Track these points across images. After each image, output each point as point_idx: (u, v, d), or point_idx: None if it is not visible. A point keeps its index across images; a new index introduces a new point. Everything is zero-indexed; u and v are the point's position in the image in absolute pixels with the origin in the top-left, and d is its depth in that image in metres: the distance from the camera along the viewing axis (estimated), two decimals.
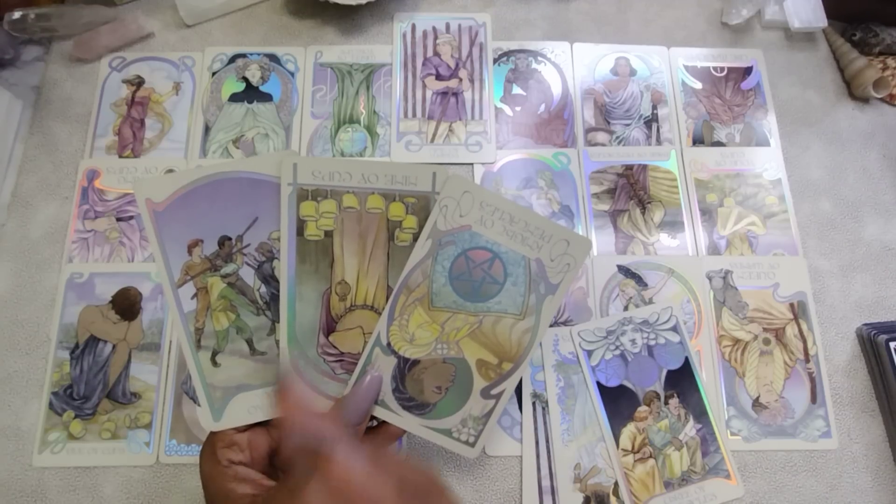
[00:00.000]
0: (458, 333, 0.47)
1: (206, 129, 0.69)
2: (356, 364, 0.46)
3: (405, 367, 0.46)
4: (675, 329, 0.62)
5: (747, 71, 0.74)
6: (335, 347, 0.46)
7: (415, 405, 0.47)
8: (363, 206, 0.47)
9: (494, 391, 0.47)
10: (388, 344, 0.46)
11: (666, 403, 0.60)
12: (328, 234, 0.47)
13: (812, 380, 0.62)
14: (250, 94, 0.71)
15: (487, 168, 0.68)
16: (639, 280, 0.64)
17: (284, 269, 0.46)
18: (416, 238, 0.48)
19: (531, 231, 0.47)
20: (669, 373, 0.61)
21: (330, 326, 0.47)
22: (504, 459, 0.59)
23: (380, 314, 0.47)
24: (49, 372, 0.60)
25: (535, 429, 0.59)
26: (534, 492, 0.57)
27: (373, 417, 0.46)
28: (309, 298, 0.47)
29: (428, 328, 0.47)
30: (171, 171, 0.67)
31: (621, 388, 0.60)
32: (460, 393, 0.47)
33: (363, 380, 0.44)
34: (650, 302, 0.64)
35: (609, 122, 0.71)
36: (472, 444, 0.47)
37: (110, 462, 0.58)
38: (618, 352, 0.61)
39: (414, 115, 0.70)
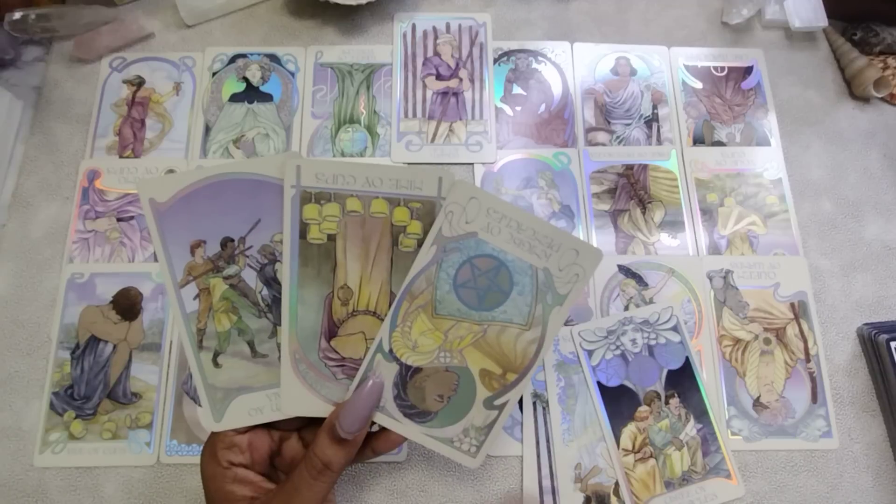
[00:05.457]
0: (461, 342, 0.46)
1: (207, 130, 0.69)
2: (357, 370, 0.46)
3: (407, 375, 0.46)
4: (675, 329, 0.62)
5: (748, 70, 0.74)
6: (336, 352, 0.46)
7: (416, 413, 0.46)
8: (367, 210, 0.47)
9: (498, 402, 0.46)
10: (391, 350, 0.46)
11: (666, 403, 0.60)
12: (331, 237, 0.47)
13: (813, 379, 0.62)
14: (251, 94, 0.71)
15: (488, 168, 0.68)
16: (639, 280, 0.64)
17: (286, 272, 0.46)
18: (420, 244, 0.47)
19: (539, 240, 0.46)
20: (670, 372, 0.61)
21: (332, 331, 0.46)
22: (505, 459, 0.59)
23: (382, 320, 0.47)
24: (50, 372, 0.60)
25: (536, 429, 0.59)
26: (534, 492, 0.57)
27: (373, 424, 0.46)
28: (311, 302, 0.46)
29: (431, 336, 0.46)
30: (171, 171, 0.67)
31: (622, 387, 0.60)
32: (463, 402, 0.46)
33: (364, 385, 0.44)
34: (651, 302, 0.64)
35: (609, 122, 0.71)
36: (474, 455, 0.46)
37: (111, 462, 0.58)
38: (618, 352, 0.61)
39: (414, 115, 0.70)
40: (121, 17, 0.73)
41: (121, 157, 0.68)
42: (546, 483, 0.58)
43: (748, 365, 0.62)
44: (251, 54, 0.73)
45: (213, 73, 0.72)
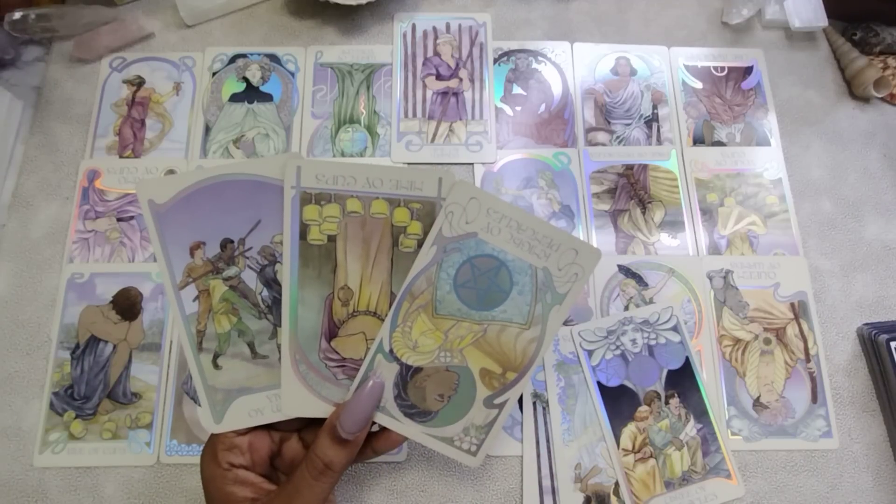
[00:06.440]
0: (461, 342, 0.46)
1: (207, 130, 0.69)
2: (358, 370, 0.46)
3: (407, 375, 0.46)
4: (675, 329, 0.62)
5: (748, 70, 0.74)
6: (337, 353, 0.46)
7: (417, 412, 0.46)
8: (367, 210, 0.47)
9: (498, 401, 0.47)
10: (391, 350, 0.46)
11: (666, 403, 0.60)
12: (331, 238, 0.47)
13: (813, 379, 0.62)
14: (251, 94, 0.71)
15: (488, 168, 0.68)
16: (639, 280, 0.64)
17: (287, 273, 0.46)
18: (420, 244, 0.47)
19: (539, 239, 0.46)
20: (670, 372, 0.61)
21: (332, 331, 0.46)
22: (504, 459, 0.59)
23: (382, 320, 0.47)
24: (50, 372, 0.60)
25: (536, 429, 0.59)
26: (534, 492, 0.57)
27: (374, 423, 0.46)
28: (311, 303, 0.46)
29: (431, 336, 0.46)
30: (171, 171, 0.67)
31: (622, 387, 0.60)
32: (463, 402, 0.47)
33: (365, 386, 0.44)
34: (651, 302, 0.64)
35: (609, 122, 0.71)
36: (474, 454, 0.47)
37: (111, 462, 0.58)
38: (618, 352, 0.61)
39: (414, 115, 0.70)
40: (121, 17, 0.73)
41: (121, 157, 0.68)
42: (546, 483, 0.58)
43: (748, 365, 0.62)
44: (251, 54, 0.72)
45: (213, 73, 0.72)
